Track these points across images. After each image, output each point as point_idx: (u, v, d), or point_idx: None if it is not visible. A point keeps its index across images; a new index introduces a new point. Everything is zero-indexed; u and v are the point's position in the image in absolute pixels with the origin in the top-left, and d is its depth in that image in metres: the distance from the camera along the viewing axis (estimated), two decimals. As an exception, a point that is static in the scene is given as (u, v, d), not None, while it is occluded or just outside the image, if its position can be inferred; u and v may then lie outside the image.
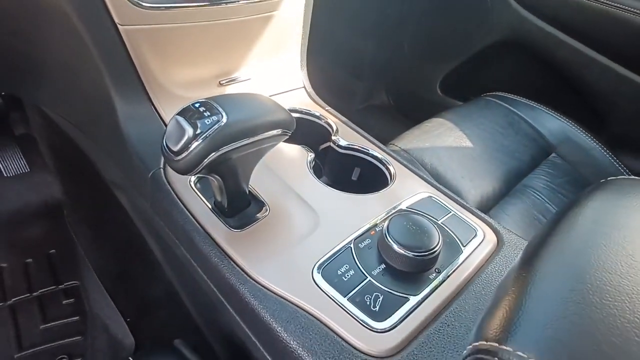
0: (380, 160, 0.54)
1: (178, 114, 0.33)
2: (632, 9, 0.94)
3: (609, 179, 0.31)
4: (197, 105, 0.33)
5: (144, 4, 0.44)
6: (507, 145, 0.89)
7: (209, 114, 0.32)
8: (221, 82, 0.58)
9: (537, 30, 1.13)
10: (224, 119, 0.32)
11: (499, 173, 0.83)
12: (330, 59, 1.67)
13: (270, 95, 0.65)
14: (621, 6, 0.95)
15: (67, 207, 1.01)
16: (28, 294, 0.87)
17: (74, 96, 0.61)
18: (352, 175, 0.57)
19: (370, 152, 0.54)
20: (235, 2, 0.52)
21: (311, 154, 0.52)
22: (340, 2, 1.11)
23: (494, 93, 1.06)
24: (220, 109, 0.33)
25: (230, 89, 0.60)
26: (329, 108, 0.66)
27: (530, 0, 1.12)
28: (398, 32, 1.49)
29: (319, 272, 0.35)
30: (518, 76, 1.26)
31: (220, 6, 0.51)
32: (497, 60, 1.32)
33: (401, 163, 0.53)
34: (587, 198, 0.25)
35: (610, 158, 0.94)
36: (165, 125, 0.53)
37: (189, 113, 0.33)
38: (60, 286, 0.88)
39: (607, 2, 0.97)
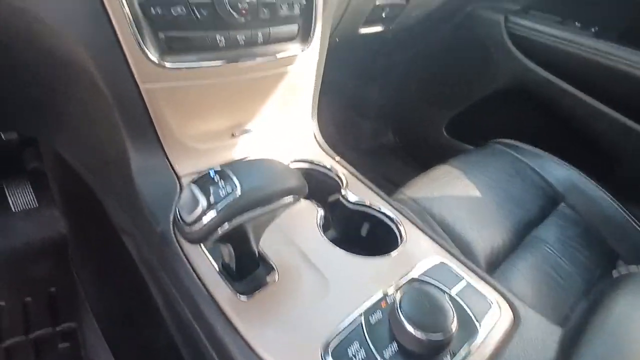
0: (390, 219, 0.53)
1: (193, 182, 0.33)
2: (636, 64, 0.97)
3: (631, 272, 0.30)
4: (212, 174, 0.34)
5: (166, 64, 0.46)
6: (515, 194, 0.88)
7: (223, 183, 0.33)
8: (234, 134, 0.59)
9: (542, 79, 1.15)
10: (238, 190, 0.33)
11: (508, 224, 0.82)
12: (337, 98, 1.71)
13: (281, 145, 0.66)
14: (625, 61, 0.98)
15: (72, 245, 1.01)
16: (24, 336, 0.84)
17: (89, 143, 0.62)
18: (362, 230, 0.57)
19: (380, 209, 0.54)
20: (251, 59, 0.54)
21: (321, 210, 0.52)
22: (348, 48, 1.15)
23: (500, 140, 1.07)
24: (235, 179, 0.33)
25: (243, 140, 0.61)
26: (339, 159, 0.67)
27: (534, 51, 1.15)
28: (405, 76, 1.53)
29: (328, 354, 0.34)
30: (524, 123, 1.28)
31: (238, 64, 0.53)
32: (502, 107, 1.35)
33: (412, 222, 0.53)
34: (613, 302, 0.24)
35: (618, 208, 0.93)
36: (178, 178, 0.54)
37: (204, 182, 0.33)
38: (57, 328, 0.86)
39: (610, 56, 0.99)
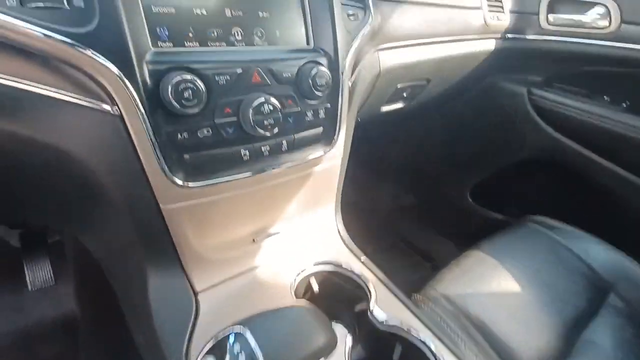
0: (426, 346, 0.47)
1: (209, 352, 0.30)
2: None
3: None
4: (231, 340, 0.30)
5: (190, 184, 0.45)
6: (559, 286, 0.80)
7: (244, 356, 0.29)
8: (255, 240, 0.56)
9: (572, 151, 1.11)
10: (261, 362, 0.29)
11: (555, 324, 0.73)
12: (355, 157, 1.70)
13: (304, 246, 0.63)
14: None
15: (83, 326, 0.97)
16: None
17: (111, 247, 0.61)
18: (394, 354, 0.51)
19: (413, 333, 0.49)
20: (275, 167, 0.53)
21: (349, 337, 0.47)
22: (369, 122, 1.15)
23: (534, 217, 1.01)
24: (257, 350, 0.29)
25: (264, 245, 0.58)
26: (365, 258, 0.63)
27: (561, 124, 1.12)
28: (426, 139, 1.52)
29: None
30: (555, 195, 1.21)
31: (262, 174, 0.51)
32: (530, 176, 1.29)
33: (450, 350, 0.47)
34: None
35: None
36: (195, 294, 0.51)
37: (221, 352, 0.30)
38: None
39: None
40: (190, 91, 0.40)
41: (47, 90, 0.36)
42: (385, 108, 0.99)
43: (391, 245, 1.56)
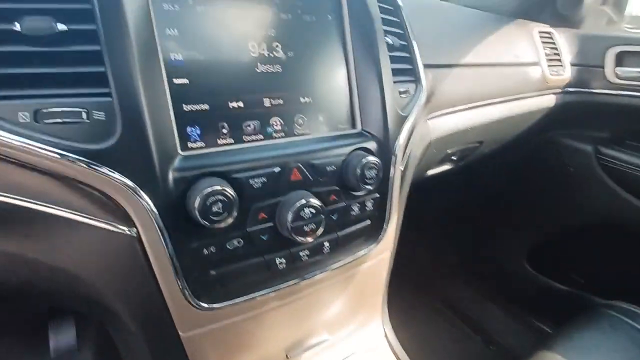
0: None
1: None
2: None
3: None
4: None
5: (216, 306, 0.38)
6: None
7: None
8: (288, 356, 0.48)
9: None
10: None
11: None
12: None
13: (347, 358, 0.53)
14: None
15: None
16: None
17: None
18: None
19: None
20: (316, 273, 0.45)
21: None
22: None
23: (613, 304, 0.85)
24: None
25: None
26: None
27: (635, 185, 0.97)
28: (474, 196, 1.39)
29: None
30: (630, 270, 1.04)
31: (299, 284, 0.44)
32: (598, 243, 1.13)
33: None
34: None
35: None
36: None
37: None
38: None
39: None
40: (220, 204, 0.34)
41: (53, 209, 0.32)
42: (431, 172, 0.91)
43: (435, 312, 1.41)
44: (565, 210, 1.16)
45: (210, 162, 0.36)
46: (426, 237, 1.65)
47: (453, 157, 0.89)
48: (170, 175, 0.34)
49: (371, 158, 0.44)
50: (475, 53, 0.77)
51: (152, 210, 0.32)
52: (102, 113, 0.30)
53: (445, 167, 0.95)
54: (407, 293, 1.20)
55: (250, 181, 0.38)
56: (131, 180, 0.31)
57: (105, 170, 0.30)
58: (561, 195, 1.15)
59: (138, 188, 0.31)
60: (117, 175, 0.30)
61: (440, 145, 0.74)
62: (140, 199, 0.31)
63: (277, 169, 0.39)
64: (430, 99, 0.66)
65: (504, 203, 1.30)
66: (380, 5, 0.49)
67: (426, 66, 0.61)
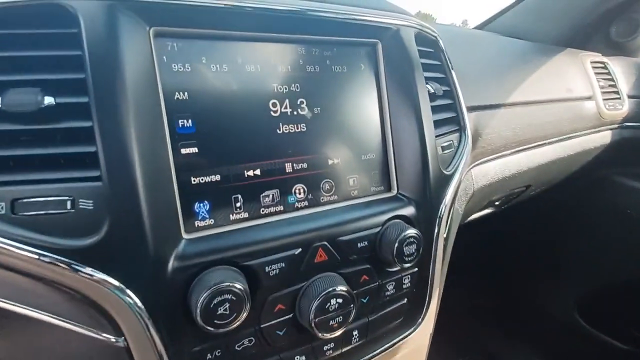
0: None
1: None
2: None
3: None
4: None
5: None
6: None
7: None
8: None
9: None
10: None
11: None
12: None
13: None
14: None
15: None
16: None
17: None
18: None
19: None
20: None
21: None
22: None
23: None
24: None
25: None
26: None
27: None
28: (516, 237, 1.26)
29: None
30: None
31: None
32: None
33: None
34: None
35: None
36: None
37: None
38: None
39: None
40: (228, 305, 0.28)
41: (28, 310, 0.26)
42: (471, 217, 0.82)
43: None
44: (624, 257, 1.02)
45: (219, 246, 0.30)
46: (462, 279, 1.52)
47: (496, 203, 0.80)
48: (170, 267, 0.28)
49: (411, 231, 0.37)
50: (523, 89, 0.69)
51: (142, 314, 0.26)
52: (89, 201, 0.25)
53: (486, 211, 0.85)
54: (443, 344, 1.08)
55: (267, 268, 0.31)
56: (117, 279, 0.25)
57: (88, 270, 0.25)
58: (618, 240, 1.02)
59: (125, 288, 0.26)
60: (101, 275, 0.25)
61: (483, 194, 0.66)
62: (128, 302, 0.26)
63: (298, 251, 0.33)
64: (475, 145, 0.59)
65: (550, 246, 1.17)
66: (420, 49, 0.43)
67: (469, 109, 0.54)
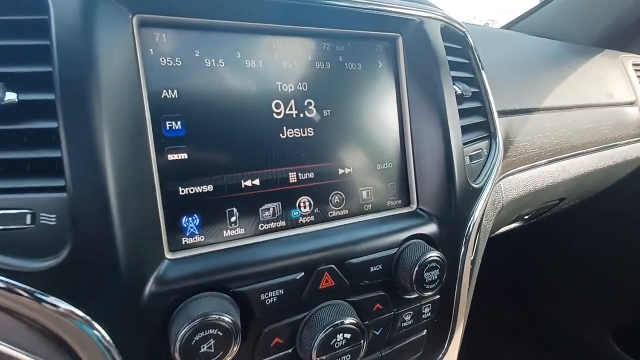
0: None
1: None
2: None
3: None
4: None
5: None
6: None
7: None
8: None
9: None
10: None
11: None
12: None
13: None
14: None
15: None
16: None
17: None
18: None
19: None
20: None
21: None
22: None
23: None
24: None
25: None
26: None
27: None
28: (543, 254, 1.18)
29: None
30: None
31: None
32: None
33: None
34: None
35: None
36: None
37: None
38: None
39: None
40: (213, 341, 0.23)
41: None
42: (498, 232, 0.75)
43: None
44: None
45: (208, 268, 0.26)
46: (485, 294, 1.43)
47: (525, 217, 0.73)
48: (147, 293, 0.24)
49: (433, 254, 0.32)
50: (559, 93, 0.62)
51: (112, 350, 0.22)
52: (52, 216, 0.21)
53: (514, 225, 0.79)
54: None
55: (263, 296, 0.27)
56: (82, 308, 0.21)
57: (51, 300, 0.21)
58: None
59: (91, 320, 0.22)
60: (63, 305, 0.21)
61: (513, 208, 0.60)
62: (94, 335, 0.22)
63: (300, 275, 0.29)
64: (505, 154, 0.53)
65: (584, 264, 1.08)
66: (446, 45, 0.37)
67: (499, 113, 0.48)
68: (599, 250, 1.03)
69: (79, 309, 0.21)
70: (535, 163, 0.58)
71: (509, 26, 1.06)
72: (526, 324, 1.25)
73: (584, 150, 0.65)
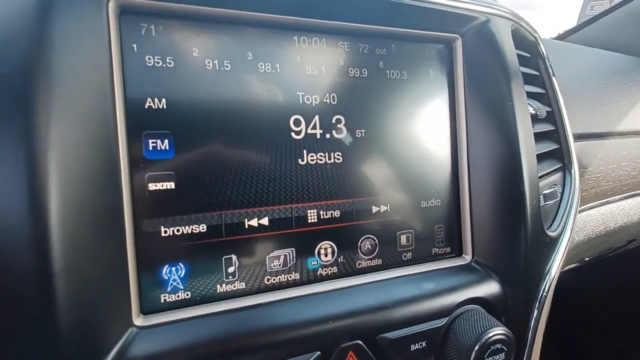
0: None
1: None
2: None
3: None
4: None
5: None
6: None
7: None
8: None
9: None
10: None
11: None
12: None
13: None
14: None
15: None
16: None
17: None
18: None
19: None
20: None
21: None
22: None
23: None
24: None
25: None
26: None
27: None
28: (590, 295, 1.03)
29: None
30: None
31: None
32: None
33: None
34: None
35: None
36: None
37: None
38: None
39: None
40: None
41: None
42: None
43: None
44: None
45: (190, 341, 0.19)
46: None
47: (586, 259, 0.62)
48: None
49: (498, 332, 0.23)
50: (637, 115, 0.52)
51: None
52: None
53: (568, 267, 0.67)
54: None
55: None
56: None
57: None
58: None
59: None
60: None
61: (577, 252, 0.50)
62: None
63: (315, 355, 0.21)
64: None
65: (614, 291, 0.93)
66: (518, 52, 0.29)
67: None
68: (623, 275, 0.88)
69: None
70: (609, 199, 0.48)
71: (560, 38, 0.96)
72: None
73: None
